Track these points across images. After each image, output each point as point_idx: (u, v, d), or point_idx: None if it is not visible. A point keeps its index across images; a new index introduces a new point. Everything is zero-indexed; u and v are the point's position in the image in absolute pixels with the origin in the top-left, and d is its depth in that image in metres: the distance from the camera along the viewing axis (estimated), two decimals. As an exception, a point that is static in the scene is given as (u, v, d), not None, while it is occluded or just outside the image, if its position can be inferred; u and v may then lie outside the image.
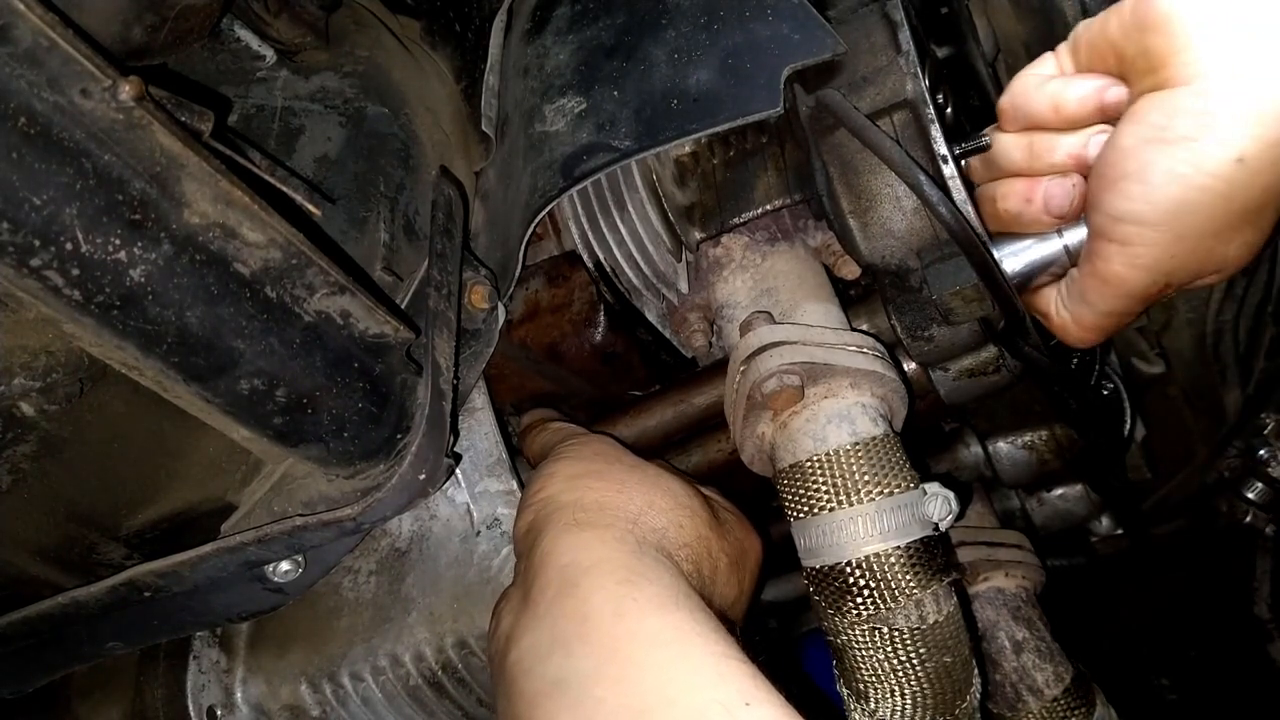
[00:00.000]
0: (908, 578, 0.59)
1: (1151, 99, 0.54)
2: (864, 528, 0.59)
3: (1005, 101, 0.62)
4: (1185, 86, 0.52)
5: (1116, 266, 0.58)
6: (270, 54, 0.81)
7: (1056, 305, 0.65)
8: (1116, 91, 0.57)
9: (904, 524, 0.60)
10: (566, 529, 0.58)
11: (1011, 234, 0.64)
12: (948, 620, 0.61)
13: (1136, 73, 0.55)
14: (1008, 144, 0.62)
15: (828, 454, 0.62)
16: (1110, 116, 0.57)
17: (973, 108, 0.80)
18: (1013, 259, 0.64)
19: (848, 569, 0.60)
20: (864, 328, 0.76)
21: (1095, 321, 0.62)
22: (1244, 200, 0.53)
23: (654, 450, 0.80)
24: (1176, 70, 0.52)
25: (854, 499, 0.60)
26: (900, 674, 0.60)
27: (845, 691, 0.64)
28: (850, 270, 0.75)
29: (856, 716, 0.62)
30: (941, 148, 0.62)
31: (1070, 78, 0.60)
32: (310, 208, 0.57)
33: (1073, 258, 0.62)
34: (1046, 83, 0.60)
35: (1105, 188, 0.57)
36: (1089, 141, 0.59)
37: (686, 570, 0.58)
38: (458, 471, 0.71)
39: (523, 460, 0.78)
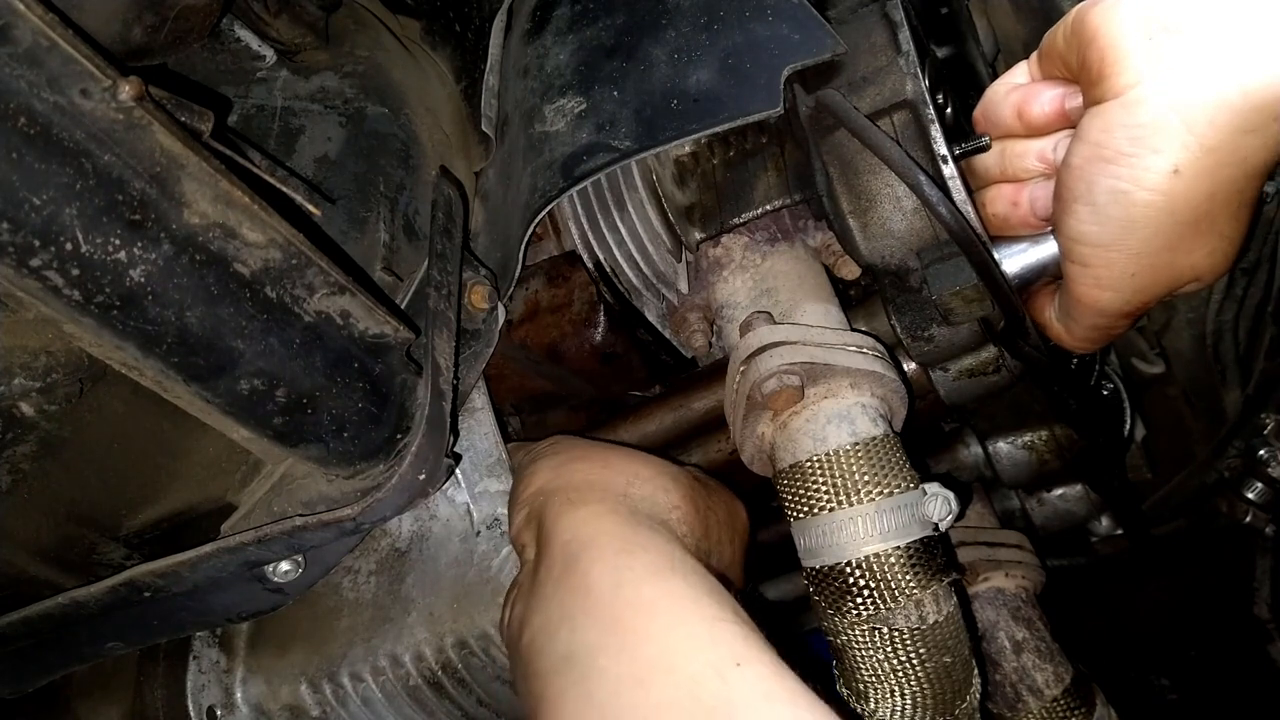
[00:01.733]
0: (908, 578, 0.59)
1: (1092, 114, 0.54)
2: (864, 528, 0.59)
3: (978, 112, 0.64)
4: (1117, 100, 0.52)
5: (1083, 288, 0.58)
6: (270, 54, 0.81)
7: (1050, 314, 0.65)
8: (1076, 100, 0.57)
9: (904, 524, 0.60)
10: (562, 509, 0.60)
11: (1009, 238, 0.64)
12: (947, 620, 0.61)
13: (1084, 84, 0.55)
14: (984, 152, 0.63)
15: (827, 454, 0.62)
16: (1075, 121, 0.57)
17: (972, 108, 0.80)
18: (1011, 260, 0.64)
19: (848, 569, 0.60)
20: (864, 328, 0.76)
21: (1084, 334, 0.63)
22: (1189, 211, 0.52)
23: (654, 454, 0.79)
24: (1110, 83, 0.52)
25: (854, 499, 0.60)
26: (900, 674, 0.60)
27: (845, 691, 0.64)
28: (850, 270, 0.75)
29: (856, 716, 0.62)
30: (941, 148, 0.61)
31: (1033, 86, 0.60)
32: (310, 208, 0.57)
33: None
34: (1011, 93, 0.61)
35: (1061, 210, 0.57)
36: (1056, 145, 0.60)
37: (681, 532, 0.61)
38: (458, 471, 0.71)
39: None
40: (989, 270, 0.60)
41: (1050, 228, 0.62)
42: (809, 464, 0.63)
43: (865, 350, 0.66)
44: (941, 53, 0.83)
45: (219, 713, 0.72)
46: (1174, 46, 0.50)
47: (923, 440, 0.94)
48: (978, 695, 0.64)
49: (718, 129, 0.64)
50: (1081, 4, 0.54)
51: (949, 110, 0.68)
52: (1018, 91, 0.61)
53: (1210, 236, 0.54)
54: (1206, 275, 0.56)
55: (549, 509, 0.61)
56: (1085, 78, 0.54)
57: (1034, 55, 0.61)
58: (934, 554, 0.61)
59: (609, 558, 0.55)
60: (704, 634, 0.50)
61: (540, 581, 0.57)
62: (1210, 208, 0.52)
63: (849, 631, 0.61)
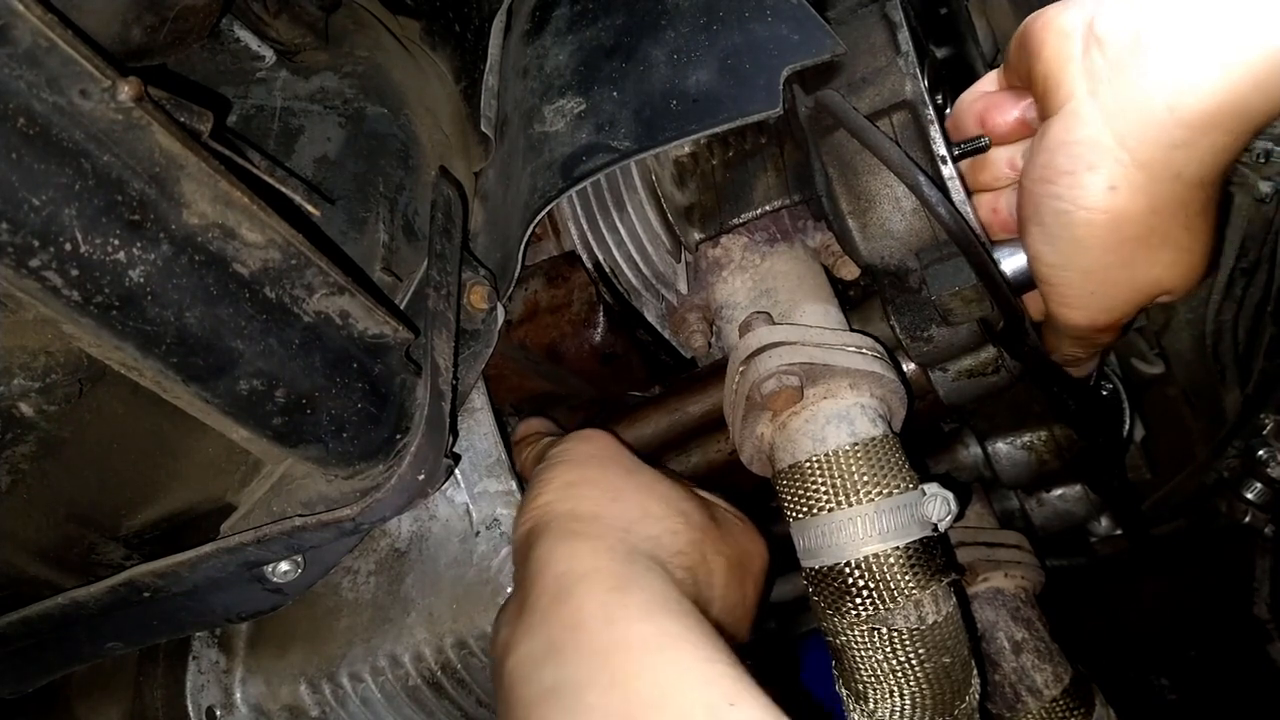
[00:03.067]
0: (907, 578, 0.59)
1: (1041, 130, 0.53)
2: (863, 528, 0.59)
3: (949, 121, 0.63)
4: (1058, 115, 0.51)
5: (1051, 305, 0.58)
6: (270, 54, 0.81)
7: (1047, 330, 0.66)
8: (1034, 111, 0.57)
9: (903, 524, 0.60)
10: (560, 538, 0.59)
11: (1005, 240, 0.64)
12: (947, 621, 0.61)
13: (1035, 96, 0.55)
14: None
15: (827, 454, 0.62)
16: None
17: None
18: (1009, 262, 0.64)
19: (847, 569, 0.60)
20: (863, 329, 0.76)
21: (1073, 346, 0.63)
22: (1133, 227, 0.51)
23: (651, 457, 0.79)
24: (1052, 97, 0.52)
25: (853, 499, 0.60)
26: (899, 674, 0.60)
27: (845, 692, 0.64)
28: (850, 270, 0.75)
29: (856, 717, 0.62)
30: (940, 148, 0.61)
31: (996, 95, 0.60)
32: (309, 208, 0.57)
33: None
34: (976, 101, 0.61)
35: (1021, 231, 0.57)
36: (1024, 151, 0.59)
37: (680, 577, 0.58)
38: (457, 472, 0.71)
39: None
40: (988, 271, 0.60)
41: None
42: (808, 464, 0.63)
43: (865, 351, 0.66)
44: (941, 53, 0.83)
45: (218, 713, 0.72)
46: (1104, 61, 0.49)
47: (922, 440, 0.94)
48: (977, 695, 0.64)
49: (717, 129, 0.64)
50: (1030, 15, 0.54)
51: (948, 111, 0.68)
52: (981, 100, 0.61)
53: (1165, 250, 0.53)
54: (1174, 287, 0.56)
55: (547, 533, 0.59)
56: (1034, 91, 0.54)
57: (1005, 64, 0.61)
58: (933, 554, 0.61)
59: (601, 594, 0.54)
60: (697, 673, 0.49)
61: (529, 609, 0.56)
62: (1155, 222, 0.51)
63: (848, 632, 0.61)
